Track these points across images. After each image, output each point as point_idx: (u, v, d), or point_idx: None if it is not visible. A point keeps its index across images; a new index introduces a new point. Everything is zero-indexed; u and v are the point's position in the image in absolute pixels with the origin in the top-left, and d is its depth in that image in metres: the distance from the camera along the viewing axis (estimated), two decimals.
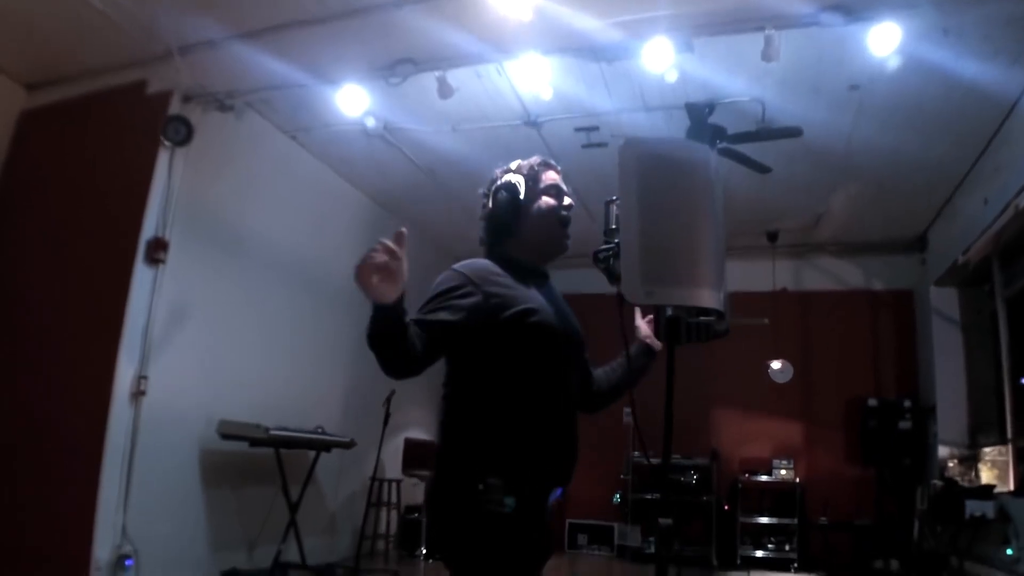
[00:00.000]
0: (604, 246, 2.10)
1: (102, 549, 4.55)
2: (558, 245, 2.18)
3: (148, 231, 4.90)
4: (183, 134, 4.92)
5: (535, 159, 2.24)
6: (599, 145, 6.50)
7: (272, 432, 5.30)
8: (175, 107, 5.10)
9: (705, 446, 8.45)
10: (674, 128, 5.93)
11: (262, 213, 6.11)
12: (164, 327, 5.02)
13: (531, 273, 2.13)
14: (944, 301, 7.64)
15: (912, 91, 5.24)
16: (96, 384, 4.70)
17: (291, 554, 5.77)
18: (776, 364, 7.94)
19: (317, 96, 5.61)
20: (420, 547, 7.62)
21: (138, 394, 4.78)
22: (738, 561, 7.98)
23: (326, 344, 7.00)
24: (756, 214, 7.84)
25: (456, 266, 2.04)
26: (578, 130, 6.30)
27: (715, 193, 2.04)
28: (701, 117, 5.60)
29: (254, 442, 5.32)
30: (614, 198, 2.15)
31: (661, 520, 2.07)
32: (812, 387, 8.57)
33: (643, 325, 2.40)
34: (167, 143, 4.95)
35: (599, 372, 2.34)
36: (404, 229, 1.71)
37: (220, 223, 5.65)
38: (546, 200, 2.16)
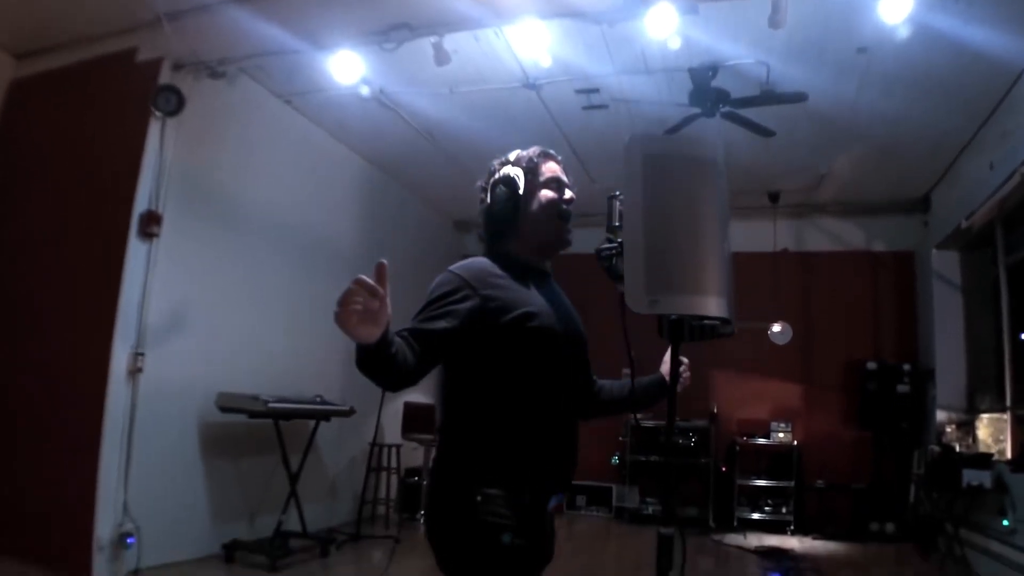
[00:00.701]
0: (607, 245, 2.03)
1: (103, 528, 4.56)
2: (559, 241, 2.10)
3: (141, 205, 4.80)
4: (174, 104, 4.78)
5: (534, 150, 2.15)
6: (600, 107, 6.37)
7: (271, 405, 5.27)
8: (165, 75, 4.95)
9: (704, 408, 8.46)
10: (676, 92, 5.81)
11: (257, 181, 6.01)
12: (160, 302, 4.95)
13: (531, 271, 2.06)
14: (945, 264, 7.58)
15: (919, 56, 5.11)
16: (92, 363, 4.65)
17: (292, 523, 5.81)
18: (776, 327, 7.91)
19: (312, 61, 5.47)
20: (420, 510, 7.70)
21: (135, 371, 4.74)
22: (735, 523, 8.06)
23: (325, 310, 6.82)
24: (758, 175, 7.76)
25: (453, 268, 1.97)
26: (578, 92, 6.16)
27: (722, 194, 1.97)
28: (704, 81, 5.48)
29: (253, 415, 5.30)
30: (617, 193, 2.07)
31: (662, 530, 2.04)
32: (811, 349, 8.56)
33: (665, 371, 2.26)
34: (158, 113, 4.82)
35: (607, 383, 2.29)
36: (384, 261, 1.63)
37: (214, 193, 5.55)
38: (546, 194, 2.08)
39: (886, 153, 6.93)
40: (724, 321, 1.93)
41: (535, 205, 2.06)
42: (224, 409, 5.32)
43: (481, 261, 2.02)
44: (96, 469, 4.52)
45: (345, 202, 7.41)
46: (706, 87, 5.47)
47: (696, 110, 5.70)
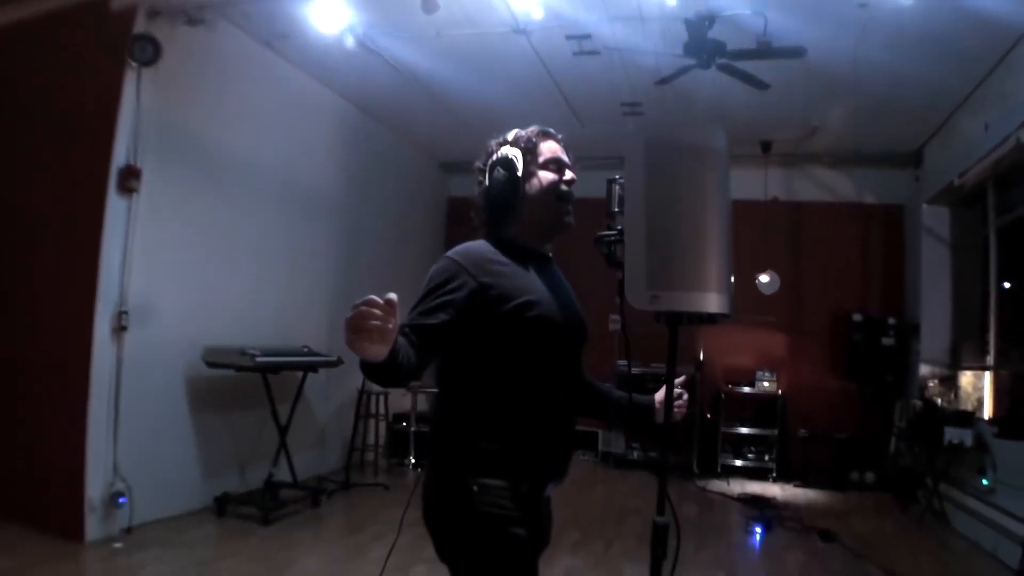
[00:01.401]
0: (607, 231, 1.98)
1: (94, 488, 4.56)
2: (559, 224, 2.03)
3: (119, 159, 4.65)
4: (150, 53, 4.60)
5: (533, 129, 2.07)
6: (591, 53, 6.21)
7: (258, 359, 5.24)
8: (141, 24, 4.74)
9: (690, 356, 8.50)
10: (670, 42, 5.66)
11: (239, 129, 5.85)
12: (142, 258, 4.86)
13: (532, 255, 2.01)
14: (935, 220, 7.56)
15: (921, 12, 4.96)
16: (76, 324, 4.59)
17: (282, 473, 5.85)
18: (764, 277, 7.92)
19: (294, 4, 5.30)
20: (408, 455, 7.78)
21: (119, 330, 4.68)
22: (718, 469, 8.21)
23: (310, 258, 6.89)
24: (750, 125, 7.65)
25: (451, 253, 1.92)
26: (569, 38, 6.00)
27: (725, 182, 1.92)
28: (700, 31, 5.34)
29: (240, 369, 5.27)
30: (617, 177, 2.02)
31: (657, 519, 2.04)
32: (798, 300, 8.59)
33: (659, 398, 2.27)
34: (134, 64, 4.64)
35: (600, 385, 2.28)
36: (393, 296, 1.55)
37: (195, 144, 5.40)
38: (545, 175, 2.01)
39: (881, 107, 6.83)
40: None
41: (534, 187, 2.00)
42: (211, 364, 5.30)
43: (480, 245, 1.97)
44: (85, 430, 4.50)
45: (329, 147, 7.26)
46: (702, 38, 5.33)
47: (691, 61, 5.57)
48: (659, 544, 2.03)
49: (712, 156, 1.88)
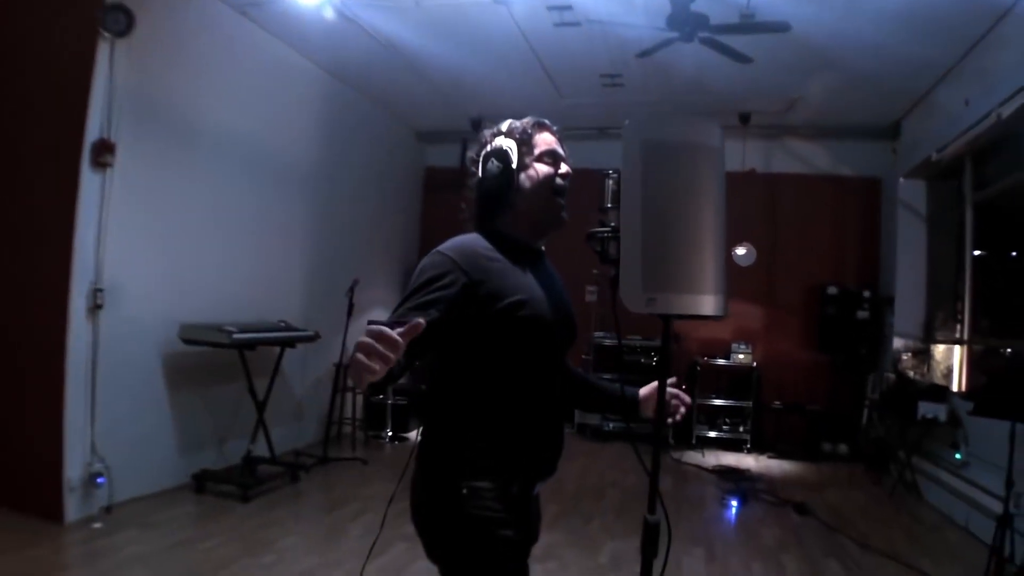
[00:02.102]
0: (600, 228, 1.94)
1: (73, 469, 4.49)
2: (554, 219, 1.98)
3: (92, 134, 4.49)
4: (123, 24, 4.43)
5: (528, 120, 2.00)
6: (572, 25, 6.11)
7: (236, 336, 5.17)
8: None
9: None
10: (652, 14, 5.57)
11: (214, 100, 5.69)
12: (117, 235, 4.73)
13: (525, 251, 1.96)
14: (911, 193, 7.60)
15: None
16: (51, 302, 4.47)
17: (260, 448, 5.81)
18: (740, 249, 7.94)
19: None
20: (386, 428, 7.77)
21: (95, 308, 4.57)
22: (693, 440, 8.30)
23: (286, 230, 6.79)
24: (730, 96, 7.61)
25: (443, 248, 1.84)
26: (550, 9, 5.89)
27: (722, 181, 1.89)
28: (683, 4, 5.26)
29: (217, 346, 5.20)
30: (610, 171, 1.98)
31: (649, 517, 2.03)
32: (774, 272, 8.64)
33: (645, 393, 2.26)
34: (107, 35, 4.46)
35: (587, 378, 2.26)
36: (422, 320, 1.43)
37: (169, 116, 5.25)
38: (540, 168, 1.94)
39: (861, 79, 6.80)
40: None
41: (529, 180, 1.93)
42: (188, 341, 5.22)
43: (473, 240, 1.90)
44: (62, 411, 4.42)
45: (305, 117, 7.12)
46: (685, 11, 5.26)
47: (673, 34, 5.50)
48: (650, 543, 2.03)
49: (709, 154, 1.86)
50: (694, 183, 1.79)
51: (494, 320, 1.79)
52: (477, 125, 8.98)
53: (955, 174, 6.96)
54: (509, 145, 1.93)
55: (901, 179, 7.61)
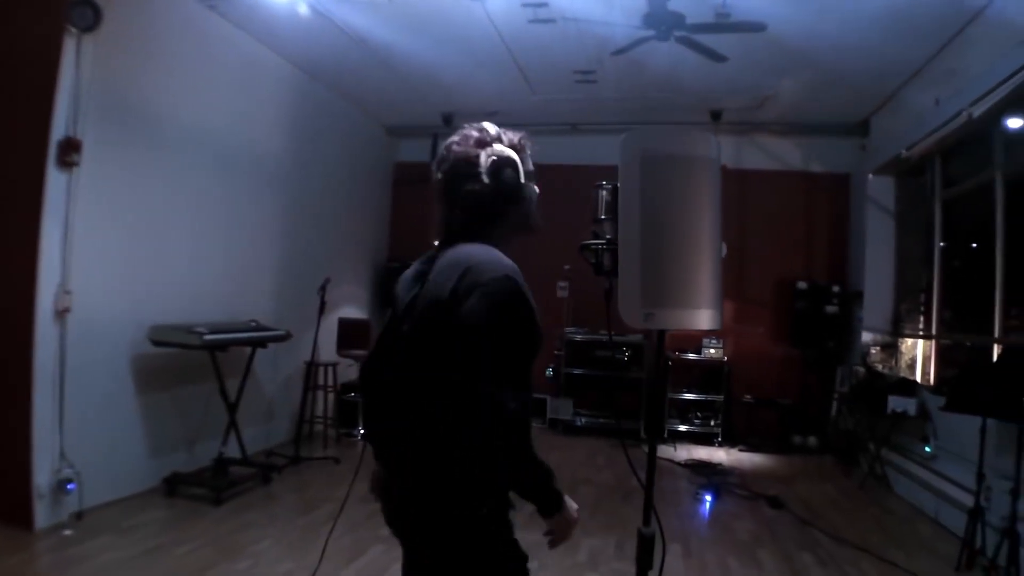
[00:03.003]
0: (594, 240, 1.93)
1: (42, 475, 4.39)
2: (532, 233, 1.94)
3: (58, 132, 4.36)
4: (90, 19, 4.31)
5: (521, 135, 1.93)
6: (546, 22, 6.08)
7: (206, 337, 5.07)
8: None
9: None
10: (629, 11, 5.57)
11: (183, 95, 5.57)
12: (84, 236, 4.61)
13: None
14: (880, 190, 7.69)
15: None
16: (17, 306, 4.34)
17: (231, 449, 5.72)
18: None
19: None
20: (357, 426, 7.71)
21: (62, 311, 4.45)
22: (665, 435, 8.35)
23: (256, 227, 6.68)
24: (702, 93, 7.64)
25: (509, 272, 1.70)
26: (525, 6, 5.85)
27: (718, 194, 1.89)
28: (660, 3, 5.26)
29: (188, 348, 5.11)
30: (603, 183, 1.96)
31: (642, 529, 2.04)
32: (745, 267, 8.71)
33: None
34: (73, 30, 4.34)
35: None
36: None
37: (137, 113, 5.12)
38: (533, 186, 1.92)
39: (832, 78, 6.87)
40: None
41: (529, 194, 1.89)
42: (157, 343, 5.12)
43: (503, 255, 1.79)
44: (30, 417, 4.31)
45: (274, 112, 7.00)
46: (662, 9, 5.27)
47: (649, 33, 5.51)
48: (645, 555, 2.03)
49: (707, 167, 1.85)
50: (692, 196, 1.79)
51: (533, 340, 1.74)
52: (448, 120, 8.93)
53: (923, 171, 7.06)
54: (514, 156, 1.87)
55: (870, 175, 7.70)
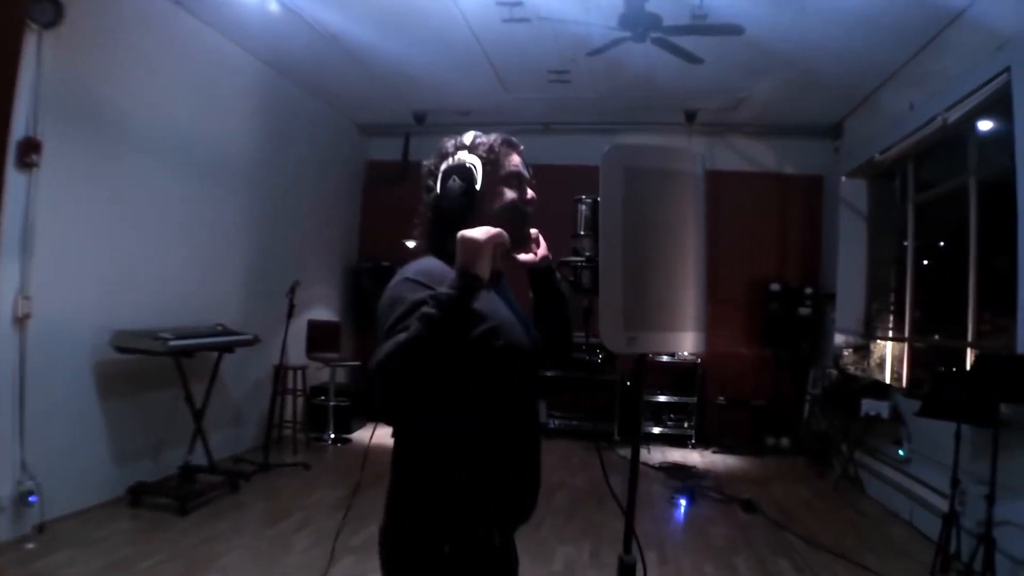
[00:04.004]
0: (574, 258, 1.85)
1: (3, 487, 4.23)
2: (514, 247, 1.79)
3: (17, 132, 4.17)
4: (51, 14, 4.16)
5: (496, 137, 1.82)
6: (521, 21, 6.00)
7: (171, 343, 4.93)
8: None
9: None
10: (605, 11, 5.50)
11: (148, 94, 5.40)
12: (44, 239, 4.45)
13: None
14: (853, 192, 7.72)
15: None
16: None
17: (198, 456, 5.58)
18: None
19: None
20: (328, 430, 7.59)
21: (23, 317, 4.30)
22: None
23: (223, 228, 6.53)
24: (677, 94, 7.62)
25: (408, 273, 1.65)
26: (500, 4, 5.77)
27: (702, 212, 1.82)
28: (637, 4, 5.20)
29: (152, 354, 4.97)
30: (583, 197, 1.89)
31: (624, 557, 1.98)
32: (718, 269, 8.65)
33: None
34: (34, 26, 4.18)
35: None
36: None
37: (100, 112, 4.96)
38: (507, 193, 1.78)
39: (808, 79, 6.86)
40: None
41: (494, 204, 1.77)
42: (120, 349, 4.96)
43: (434, 263, 1.72)
44: None
45: (242, 110, 6.85)
46: (639, 10, 5.20)
47: (625, 34, 5.44)
48: None
49: (691, 183, 1.78)
50: (676, 213, 1.72)
51: (472, 350, 1.62)
52: (420, 119, 8.83)
53: (896, 174, 7.08)
54: (473, 162, 1.76)
55: (843, 178, 7.72)
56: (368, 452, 1.79)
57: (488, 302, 1.70)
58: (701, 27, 5.27)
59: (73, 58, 4.61)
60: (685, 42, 5.49)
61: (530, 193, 1.85)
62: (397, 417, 1.59)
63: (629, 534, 1.98)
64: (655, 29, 5.28)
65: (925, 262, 6.70)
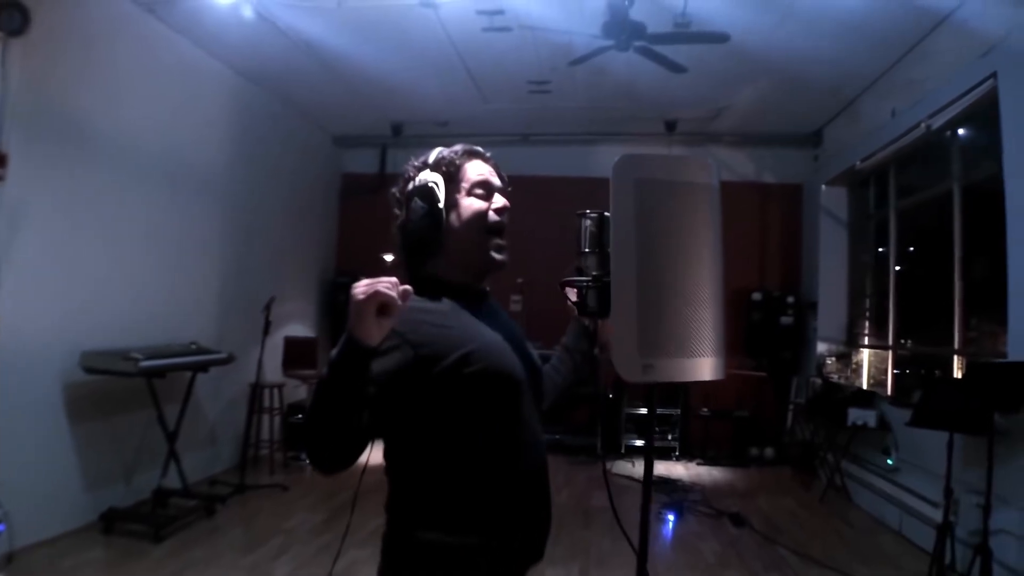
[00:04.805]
0: (579, 278, 1.73)
1: None
2: (488, 260, 1.70)
3: None
4: (18, 22, 4.00)
5: (457, 148, 1.73)
6: (502, 30, 5.91)
7: (142, 364, 4.76)
8: None
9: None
10: (587, 21, 5.42)
11: (118, 104, 5.23)
12: (10, 255, 4.27)
13: (465, 294, 1.68)
14: (833, 200, 7.71)
15: None
16: None
17: (172, 478, 5.39)
18: None
19: None
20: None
21: None
22: (622, 450, 8.22)
23: (195, 243, 6.33)
24: (658, 103, 7.57)
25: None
26: (480, 13, 5.68)
27: (719, 227, 1.70)
28: (621, 12, 5.12)
29: (123, 375, 4.78)
30: (588, 211, 1.76)
31: None
32: None
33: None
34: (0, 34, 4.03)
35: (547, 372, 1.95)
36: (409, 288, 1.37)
37: (69, 123, 4.78)
38: (470, 204, 1.68)
39: (788, 87, 6.84)
40: None
41: (459, 218, 1.67)
42: (90, 370, 4.77)
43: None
44: None
45: (215, 121, 6.67)
46: (623, 19, 5.12)
47: (608, 42, 5.36)
48: None
49: (707, 195, 1.66)
50: (691, 228, 1.60)
51: (438, 385, 1.52)
52: (397, 130, 8.70)
53: (877, 181, 7.07)
54: (435, 180, 1.66)
55: (823, 186, 7.71)
56: (356, 501, 1.63)
57: (460, 329, 1.60)
58: (686, 35, 5.21)
59: (40, 67, 4.45)
60: (668, 51, 5.42)
61: (501, 201, 1.74)
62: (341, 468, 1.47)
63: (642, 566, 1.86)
64: (639, 37, 5.20)
65: (897, 268, 6.68)
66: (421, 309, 1.55)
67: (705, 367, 1.58)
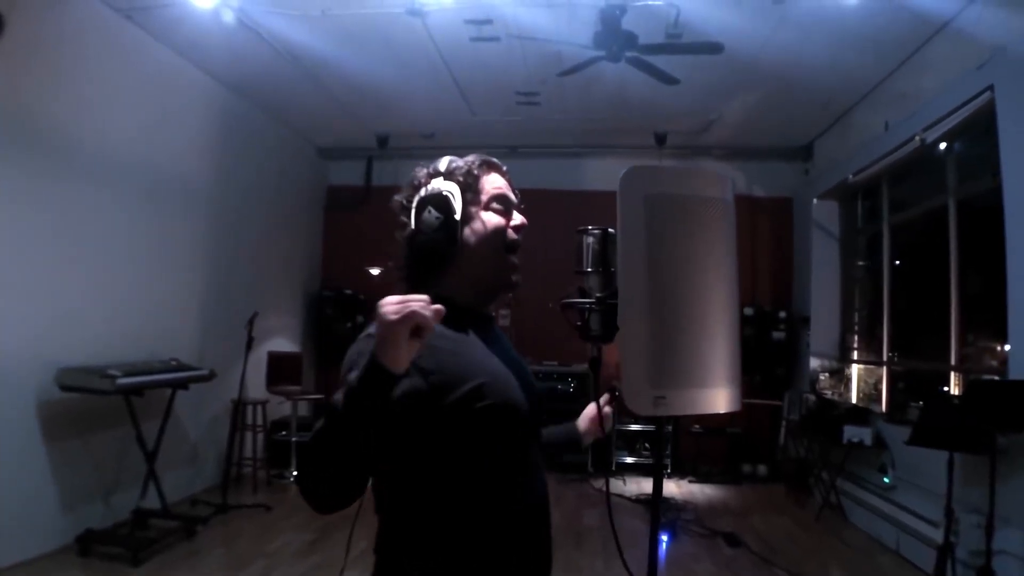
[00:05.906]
0: (581, 299, 1.60)
1: None
2: (504, 281, 1.59)
3: None
4: None
5: (473, 158, 1.61)
6: (490, 40, 5.82)
7: (120, 381, 4.60)
8: None
9: (583, 354, 8.30)
10: (578, 30, 5.35)
11: (95, 114, 5.09)
12: None
13: (470, 317, 1.56)
14: (824, 214, 7.65)
15: (838, 3, 4.88)
16: None
17: (151, 498, 5.22)
18: None
19: None
20: (290, 467, 7.24)
21: None
22: (613, 467, 8.09)
23: (176, 256, 6.17)
24: (648, 116, 7.48)
25: (373, 328, 1.34)
26: (468, 22, 5.59)
27: (734, 244, 1.59)
28: (613, 21, 5.03)
29: (100, 393, 4.62)
30: (589, 228, 1.64)
31: None
32: None
33: (590, 412, 1.95)
34: None
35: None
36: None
37: (44, 132, 4.63)
38: (490, 219, 1.56)
39: (779, 100, 6.79)
40: None
41: (475, 233, 1.54)
42: (66, 388, 4.61)
43: None
44: None
45: (196, 132, 6.52)
46: (615, 28, 5.04)
47: (599, 53, 5.27)
48: None
49: (722, 211, 1.55)
50: (705, 247, 1.49)
51: (449, 416, 1.39)
52: (383, 142, 8.57)
53: (869, 195, 7.01)
54: (450, 189, 1.54)
55: (815, 200, 7.64)
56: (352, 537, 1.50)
57: (470, 355, 1.48)
58: (679, 46, 5.13)
59: (15, 74, 4.32)
60: (659, 61, 5.34)
61: (520, 219, 1.62)
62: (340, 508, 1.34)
63: None
64: (631, 48, 5.11)
65: (890, 282, 6.61)
66: (434, 332, 1.39)
67: (720, 399, 1.48)
